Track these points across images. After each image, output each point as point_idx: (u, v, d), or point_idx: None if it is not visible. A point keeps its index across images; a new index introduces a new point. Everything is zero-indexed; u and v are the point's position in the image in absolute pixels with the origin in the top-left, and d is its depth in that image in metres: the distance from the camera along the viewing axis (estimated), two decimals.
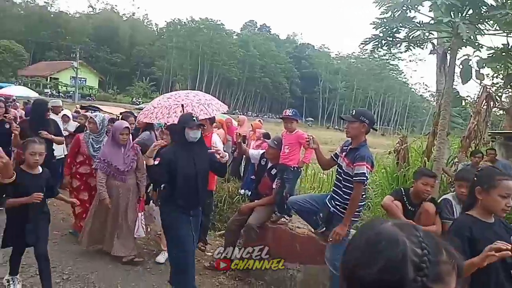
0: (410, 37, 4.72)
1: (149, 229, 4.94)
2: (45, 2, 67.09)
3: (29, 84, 39.32)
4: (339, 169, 3.23)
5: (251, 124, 8.14)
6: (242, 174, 6.95)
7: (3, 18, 56.99)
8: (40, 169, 3.16)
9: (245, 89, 73.28)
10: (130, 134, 4.38)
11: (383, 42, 4.61)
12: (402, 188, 3.38)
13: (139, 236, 4.28)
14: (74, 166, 4.67)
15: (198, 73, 65.99)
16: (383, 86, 74.56)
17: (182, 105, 4.12)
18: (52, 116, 6.02)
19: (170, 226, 3.21)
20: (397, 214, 3.03)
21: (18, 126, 4.80)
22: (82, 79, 51.10)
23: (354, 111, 3.25)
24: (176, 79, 65.06)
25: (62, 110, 7.48)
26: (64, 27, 62.52)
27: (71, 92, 46.01)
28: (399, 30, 4.53)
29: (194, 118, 3.23)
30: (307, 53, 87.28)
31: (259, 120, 8.98)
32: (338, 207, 3.13)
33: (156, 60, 68.02)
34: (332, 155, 3.50)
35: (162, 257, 4.20)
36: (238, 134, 5.14)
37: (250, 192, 4.56)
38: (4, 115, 5.47)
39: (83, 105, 19.19)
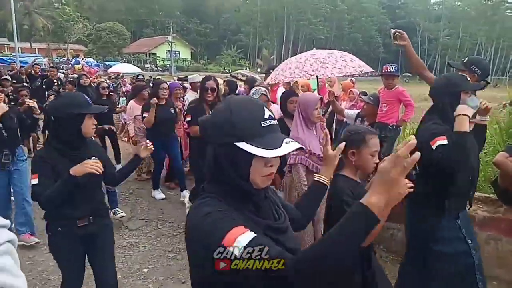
0: None
1: None
2: None
3: (132, 61, 43.23)
4: None
5: (341, 84, 7.86)
6: (333, 136, 6.85)
7: (107, 1, 62.88)
8: None
9: (333, 47, 69.49)
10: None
11: None
12: None
13: None
14: None
15: (284, 35, 65.03)
16: (496, 30, 64.45)
17: (317, 76, 3.62)
18: (191, 93, 5.78)
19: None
20: None
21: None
22: (176, 52, 54.40)
23: (466, 58, 2.88)
24: (263, 44, 65.22)
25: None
26: (157, 3, 66.49)
27: (167, 66, 49.49)
28: None
29: (468, 77, 2.32)
30: (403, 1, 79.27)
31: (350, 80, 8.58)
32: None
33: (242, 27, 68.73)
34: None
35: None
36: (330, 92, 4.98)
37: None
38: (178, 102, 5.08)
39: (179, 76, 20.53)
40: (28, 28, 44.65)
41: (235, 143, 1.01)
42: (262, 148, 0.98)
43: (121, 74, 18.23)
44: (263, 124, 1.02)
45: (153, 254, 3.69)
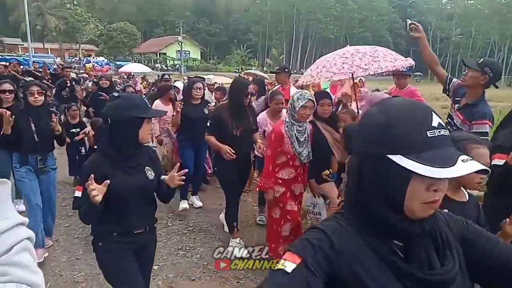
0: None
1: None
2: None
3: (142, 61, 43.67)
4: (450, 120, 2.98)
5: (358, 83, 7.77)
6: None
7: (118, 3, 63.56)
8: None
9: (343, 47, 69.68)
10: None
11: None
12: None
13: None
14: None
15: (294, 35, 64.91)
16: (510, 28, 63.37)
17: (352, 74, 3.41)
18: (206, 93, 5.61)
19: None
20: None
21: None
22: (186, 52, 54.72)
23: (481, 59, 2.88)
24: (272, 43, 65.21)
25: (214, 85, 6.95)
26: (168, 4, 66.96)
27: (177, 65, 49.81)
28: None
29: None
30: None
31: (360, 79, 8.50)
32: None
33: (252, 26, 68.82)
34: (448, 76, 3.10)
35: None
36: (345, 93, 4.89)
37: None
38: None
39: (189, 76, 20.57)
40: (41, 28, 45.41)
41: (387, 155, 0.76)
42: (426, 164, 0.71)
43: (132, 74, 18.40)
44: (429, 134, 0.75)
45: (163, 252, 3.71)
